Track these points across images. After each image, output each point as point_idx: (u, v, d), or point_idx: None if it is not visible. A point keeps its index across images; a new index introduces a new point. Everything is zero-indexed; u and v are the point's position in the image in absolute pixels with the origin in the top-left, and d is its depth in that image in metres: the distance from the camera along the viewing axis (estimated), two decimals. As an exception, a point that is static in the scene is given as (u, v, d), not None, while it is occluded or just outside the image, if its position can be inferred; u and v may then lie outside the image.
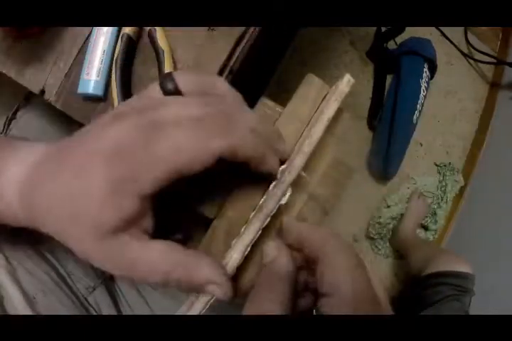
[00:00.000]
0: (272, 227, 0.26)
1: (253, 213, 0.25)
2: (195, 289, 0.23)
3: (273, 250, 0.24)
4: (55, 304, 0.37)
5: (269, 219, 0.24)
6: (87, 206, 0.20)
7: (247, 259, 0.25)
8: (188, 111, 0.21)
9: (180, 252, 0.22)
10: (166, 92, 0.23)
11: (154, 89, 0.23)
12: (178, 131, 0.20)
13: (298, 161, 0.24)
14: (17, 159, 0.24)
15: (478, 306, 0.80)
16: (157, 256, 0.21)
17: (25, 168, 0.23)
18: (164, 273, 0.21)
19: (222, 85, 0.24)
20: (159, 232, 0.23)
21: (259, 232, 0.24)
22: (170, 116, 0.21)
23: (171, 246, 0.22)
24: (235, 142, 0.21)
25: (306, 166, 0.25)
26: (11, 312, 0.33)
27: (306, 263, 0.25)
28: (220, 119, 0.21)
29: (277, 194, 0.24)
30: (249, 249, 0.24)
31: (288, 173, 0.24)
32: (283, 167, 0.25)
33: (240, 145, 0.21)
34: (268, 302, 0.22)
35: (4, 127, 0.48)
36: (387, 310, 0.24)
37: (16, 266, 0.36)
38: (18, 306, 0.34)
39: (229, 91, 0.24)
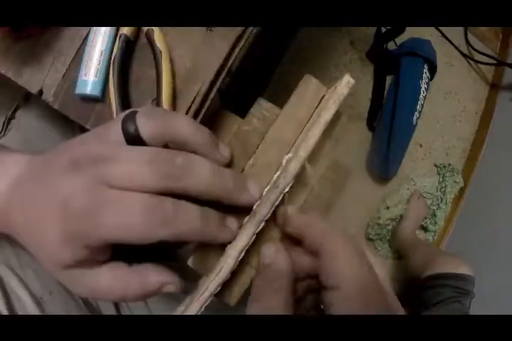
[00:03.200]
0: (267, 231, 0.26)
1: (247, 218, 0.24)
2: (153, 294, 0.25)
3: (272, 252, 0.24)
4: (61, 304, 0.38)
5: (263, 224, 0.24)
6: (48, 244, 0.23)
7: (241, 263, 0.24)
8: (140, 177, 0.21)
9: (126, 270, 0.24)
10: (127, 135, 0.23)
11: (116, 131, 0.23)
12: (124, 210, 0.21)
13: (293, 166, 0.24)
14: (2, 173, 0.26)
15: (478, 308, 0.79)
16: (109, 280, 0.24)
17: (8, 182, 0.26)
18: (121, 292, 0.24)
19: (184, 129, 0.24)
20: None
21: (253, 237, 0.24)
22: (121, 180, 0.21)
23: (117, 268, 0.24)
24: (180, 232, 0.22)
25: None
26: (21, 313, 0.34)
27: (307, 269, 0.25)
28: (167, 205, 0.22)
29: (271, 199, 0.24)
30: (243, 254, 0.24)
31: (283, 178, 0.24)
32: (278, 172, 0.24)
33: (184, 233, 0.22)
34: (273, 299, 0.23)
35: (3, 127, 0.48)
36: (393, 299, 0.24)
37: (24, 268, 0.36)
38: (28, 308, 0.35)
39: (190, 137, 0.24)
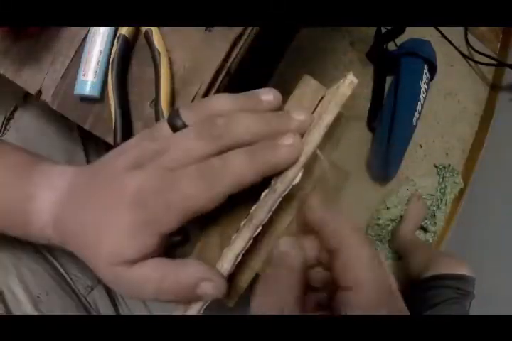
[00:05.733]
0: (264, 235, 0.25)
1: (243, 222, 0.24)
2: (189, 294, 0.24)
3: (288, 246, 0.23)
4: (57, 303, 0.38)
5: (260, 229, 0.24)
6: (113, 238, 0.23)
7: (239, 265, 0.24)
8: (193, 148, 0.23)
9: (168, 262, 0.24)
10: (175, 129, 0.25)
11: (163, 128, 0.25)
12: (187, 182, 0.22)
13: (292, 170, 0.23)
14: (50, 186, 0.27)
15: (478, 308, 0.79)
16: (149, 269, 0.23)
17: (58, 194, 0.27)
18: (155, 285, 0.23)
19: (218, 103, 0.25)
20: None
21: (250, 242, 0.24)
22: (179, 160, 0.23)
23: (161, 260, 0.24)
24: (235, 178, 0.23)
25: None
26: (16, 312, 0.34)
27: (320, 260, 0.24)
28: (214, 161, 0.23)
29: (268, 204, 0.23)
30: (239, 258, 0.24)
31: (281, 183, 0.23)
32: (276, 176, 0.24)
33: (240, 176, 0.23)
34: (286, 295, 0.22)
35: (2, 127, 0.48)
36: (402, 302, 0.24)
37: (20, 266, 0.36)
38: (24, 307, 0.35)
39: (230, 106, 0.25)
